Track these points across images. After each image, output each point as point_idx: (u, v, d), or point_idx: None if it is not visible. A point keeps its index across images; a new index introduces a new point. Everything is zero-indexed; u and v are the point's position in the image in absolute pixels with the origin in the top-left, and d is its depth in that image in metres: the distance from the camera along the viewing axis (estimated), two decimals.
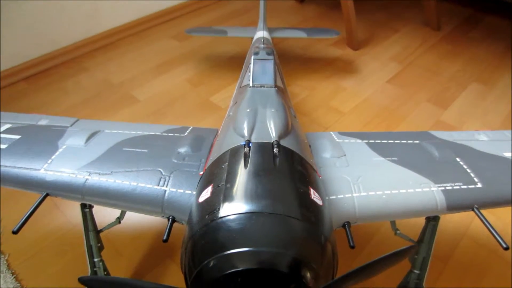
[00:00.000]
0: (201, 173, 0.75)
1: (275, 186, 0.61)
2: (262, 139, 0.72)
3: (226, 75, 1.87)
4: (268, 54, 1.04)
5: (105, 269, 0.95)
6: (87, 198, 0.78)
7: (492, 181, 0.80)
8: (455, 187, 0.78)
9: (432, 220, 0.86)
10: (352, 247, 0.66)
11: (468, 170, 0.82)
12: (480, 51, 2.08)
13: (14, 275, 1.09)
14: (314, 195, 0.63)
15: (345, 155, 0.86)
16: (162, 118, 1.61)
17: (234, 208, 0.57)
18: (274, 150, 0.68)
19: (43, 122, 0.98)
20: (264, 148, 0.69)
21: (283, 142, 0.71)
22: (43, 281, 1.09)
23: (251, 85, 0.93)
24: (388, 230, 1.15)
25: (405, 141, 0.93)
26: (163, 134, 0.94)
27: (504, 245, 0.70)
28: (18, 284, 1.06)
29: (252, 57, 1.02)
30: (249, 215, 0.55)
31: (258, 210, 0.56)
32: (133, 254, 1.14)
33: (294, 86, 1.80)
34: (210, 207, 0.60)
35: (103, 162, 0.83)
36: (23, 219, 0.73)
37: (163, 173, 0.79)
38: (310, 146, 0.86)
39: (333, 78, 1.88)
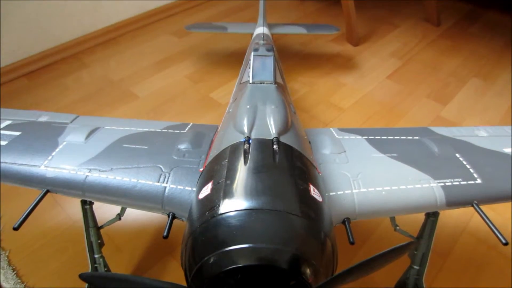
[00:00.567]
0: (201, 169, 0.75)
1: (275, 183, 0.61)
2: (262, 136, 0.71)
3: (226, 71, 1.87)
4: (268, 50, 1.04)
5: (105, 265, 0.95)
6: (87, 194, 0.78)
7: (492, 177, 0.80)
8: (454, 183, 0.78)
9: (432, 216, 0.87)
10: (352, 243, 0.66)
11: (468, 166, 0.82)
12: (479, 47, 2.08)
13: (15, 271, 1.09)
14: (313, 192, 0.63)
15: (345, 151, 0.85)
16: (162, 115, 1.61)
17: (234, 205, 0.57)
18: (274, 146, 0.68)
19: (43, 118, 0.98)
20: (264, 144, 0.69)
21: (282, 139, 0.71)
22: (43, 277, 1.09)
23: (251, 81, 0.93)
24: (388, 226, 1.15)
25: (404, 137, 0.93)
26: (163, 130, 0.94)
27: (504, 241, 0.69)
28: (19, 280, 1.06)
29: (252, 53, 1.02)
30: (249, 211, 0.55)
31: (258, 206, 0.56)
32: (133, 251, 1.14)
33: (294, 82, 1.80)
34: (210, 204, 0.60)
35: (103, 159, 0.82)
36: (24, 216, 0.73)
37: (163, 169, 0.79)
38: (310, 142, 0.86)
39: (332, 74, 1.88)
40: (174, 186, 0.76)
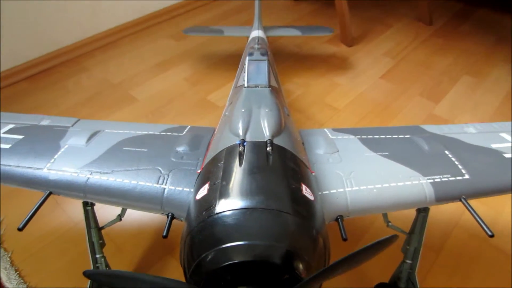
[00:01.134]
0: (199, 171, 0.78)
1: (268, 183, 0.64)
2: (256, 138, 0.75)
3: (223, 73, 1.90)
4: (262, 54, 1.07)
5: (106, 265, 0.97)
6: (89, 196, 0.81)
7: (479, 172, 0.83)
8: (443, 179, 0.81)
9: (423, 212, 0.90)
10: (345, 240, 0.70)
11: (456, 162, 0.85)
12: (471, 44, 2.12)
13: (18, 272, 1.12)
14: (305, 191, 0.66)
15: (338, 151, 0.88)
16: (160, 117, 1.64)
17: (229, 204, 0.60)
18: (268, 148, 0.71)
19: (45, 122, 1.00)
20: (258, 147, 0.72)
21: (276, 141, 0.74)
22: (46, 278, 1.12)
23: (246, 85, 0.96)
24: (382, 224, 1.17)
25: (396, 136, 0.95)
26: (162, 133, 0.96)
27: (490, 233, 0.72)
28: (22, 281, 1.09)
29: (247, 58, 1.05)
30: (243, 210, 0.59)
31: (252, 205, 0.59)
32: (133, 251, 1.17)
33: (289, 83, 1.83)
34: (207, 204, 0.63)
35: (104, 161, 0.85)
36: (28, 217, 0.76)
37: (162, 171, 0.81)
38: (303, 143, 0.89)
39: (327, 75, 1.91)
40: (173, 188, 0.78)
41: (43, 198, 0.80)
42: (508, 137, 0.94)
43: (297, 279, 0.54)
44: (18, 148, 0.89)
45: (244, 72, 1.00)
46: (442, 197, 0.78)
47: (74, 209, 1.29)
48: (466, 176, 0.81)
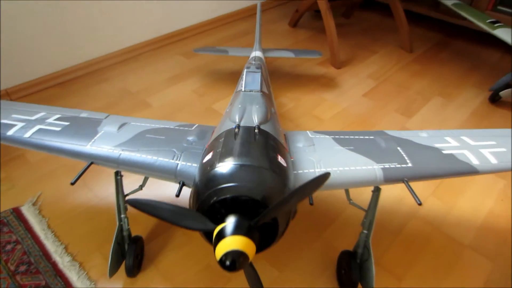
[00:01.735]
0: (206, 147, 1.03)
1: (254, 150, 0.88)
2: (248, 124, 0.99)
3: (227, 87, 2.11)
4: (257, 68, 1.33)
5: (127, 224, 1.18)
6: (120, 167, 1.04)
7: (420, 162, 1.01)
8: (391, 166, 1.00)
9: (376, 191, 1.08)
10: (311, 204, 0.94)
11: (404, 155, 1.05)
12: (445, 70, 2.34)
13: (53, 233, 1.34)
14: (280, 159, 0.92)
15: (314, 145, 1.10)
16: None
17: (226, 162, 0.84)
18: (256, 130, 0.96)
19: (84, 114, 1.23)
20: (248, 129, 0.97)
21: (262, 127, 0.98)
22: (75, 239, 1.32)
23: (243, 90, 1.22)
24: (352, 211, 1.39)
25: (362, 137, 1.15)
26: (175, 127, 1.19)
27: (418, 201, 0.91)
28: (56, 239, 1.32)
29: (245, 70, 1.32)
30: (235, 165, 0.83)
31: (241, 163, 0.83)
32: (146, 222, 1.38)
33: (283, 97, 2.06)
34: (210, 163, 0.87)
35: (132, 143, 1.07)
36: (77, 176, 0.97)
37: (176, 152, 1.04)
38: (285, 135, 1.15)
39: (316, 91, 2.13)
40: (184, 163, 1.00)
41: (87, 166, 1.02)
42: (451, 140, 1.14)
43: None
44: (66, 130, 1.11)
45: (242, 80, 1.27)
46: (389, 179, 0.98)
47: (98, 188, 1.52)
48: (409, 164, 1.00)
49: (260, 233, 0.79)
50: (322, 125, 1.87)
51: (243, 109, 1.08)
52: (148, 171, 1.03)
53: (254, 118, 1.03)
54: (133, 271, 1.20)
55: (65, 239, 1.33)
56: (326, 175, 0.73)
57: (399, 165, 1.02)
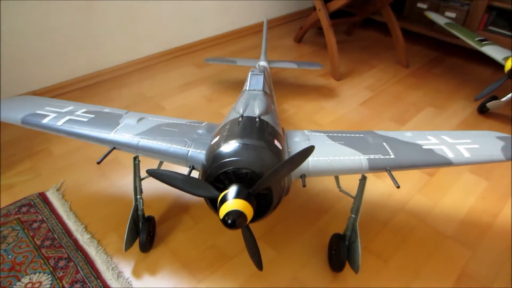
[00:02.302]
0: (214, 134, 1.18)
1: (254, 134, 1.04)
2: (250, 114, 1.14)
3: (234, 94, 2.27)
4: (260, 71, 1.50)
5: (142, 204, 1.33)
6: (139, 152, 1.19)
7: (401, 154, 1.13)
8: (376, 157, 1.12)
9: (362, 180, 1.20)
10: (304, 186, 1.08)
11: (388, 149, 1.18)
12: (439, 84, 2.48)
13: (75, 214, 1.49)
14: (276, 143, 1.07)
15: (309, 140, 1.24)
16: None
17: (230, 142, 1.00)
18: (256, 119, 1.12)
19: (106, 110, 1.37)
20: (250, 118, 1.12)
21: (262, 117, 1.14)
22: (94, 220, 1.47)
23: (247, 89, 1.38)
24: (345, 204, 1.55)
25: (353, 135, 1.26)
26: (187, 123, 1.33)
27: (397, 185, 1.04)
28: (77, 220, 1.47)
29: (250, 73, 1.49)
30: (238, 144, 0.98)
31: (243, 142, 0.98)
32: (158, 208, 1.52)
33: (285, 104, 2.22)
34: (217, 144, 1.02)
35: (149, 133, 1.22)
36: (102, 157, 1.12)
37: (188, 141, 1.19)
38: (284, 132, 1.30)
39: (316, 100, 2.28)
40: (194, 150, 1.15)
41: (110, 150, 1.17)
42: (432, 138, 1.26)
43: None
44: (92, 121, 1.27)
45: (247, 81, 1.44)
46: (373, 167, 1.11)
47: (115, 178, 1.67)
48: (392, 156, 1.13)
49: (258, 202, 0.94)
50: (320, 129, 2.00)
51: (247, 103, 1.24)
52: (163, 156, 1.19)
53: (256, 110, 1.19)
54: (146, 247, 1.34)
55: (85, 220, 1.48)
56: (311, 148, 0.88)
57: (382, 156, 1.15)
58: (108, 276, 1.27)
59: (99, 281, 1.26)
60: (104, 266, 1.30)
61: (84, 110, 1.37)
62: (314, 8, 2.59)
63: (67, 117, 1.29)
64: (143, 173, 1.28)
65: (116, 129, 1.25)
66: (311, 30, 3.13)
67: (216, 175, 0.95)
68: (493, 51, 2.12)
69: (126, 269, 1.31)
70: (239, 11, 3.04)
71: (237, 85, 2.40)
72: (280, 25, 3.41)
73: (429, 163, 1.17)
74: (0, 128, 1.94)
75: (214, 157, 0.99)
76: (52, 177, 1.69)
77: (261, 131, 1.08)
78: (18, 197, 1.57)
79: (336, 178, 1.31)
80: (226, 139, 1.03)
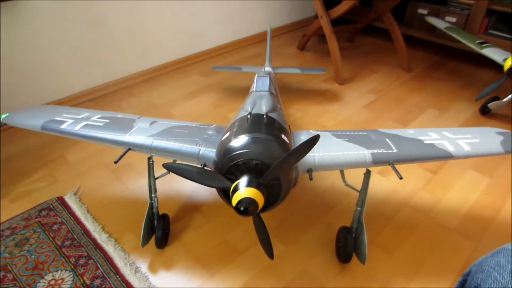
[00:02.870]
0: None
1: (263, 128, 1.10)
2: (258, 112, 1.21)
3: (240, 100, 2.25)
4: (266, 74, 1.57)
5: (157, 202, 1.38)
6: (153, 152, 1.26)
7: (403, 149, 1.18)
8: (379, 151, 1.18)
9: (367, 173, 1.25)
10: (311, 179, 1.15)
11: (391, 144, 1.23)
12: (440, 87, 2.54)
13: (92, 216, 1.56)
14: (283, 137, 1.14)
15: None
16: None
17: (240, 137, 1.06)
18: (264, 116, 1.19)
19: (120, 115, 1.44)
20: (259, 115, 1.19)
21: (269, 115, 1.21)
22: (110, 221, 1.53)
23: (254, 90, 1.46)
24: (350, 201, 1.61)
25: (357, 133, 1.33)
26: (197, 126, 1.40)
27: (399, 176, 1.09)
28: (94, 221, 1.53)
29: (256, 75, 1.57)
30: (248, 138, 1.04)
31: (252, 136, 1.04)
32: (171, 208, 1.58)
33: (290, 108, 2.28)
34: (227, 139, 1.09)
35: (162, 134, 1.29)
36: (119, 157, 1.18)
37: (199, 141, 1.26)
38: (289, 126, 1.37)
39: (321, 103, 2.35)
40: (205, 149, 1.22)
41: (125, 151, 1.23)
42: (433, 134, 1.32)
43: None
44: (107, 125, 1.34)
45: (254, 83, 1.51)
46: (377, 161, 1.16)
47: (129, 181, 1.74)
48: (394, 150, 1.20)
49: (268, 192, 1.00)
50: None
51: (254, 102, 1.31)
52: (176, 155, 1.25)
53: (263, 108, 1.26)
54: (161, 243, 1.41)
55: (102, 221, 1.55)
56: (316, 137, 0.94)
57: (385, 151, 1.20)
58: (126, 271, 1.33)
59: (118, 276, 1.32)
60: (122, 262, 1.36)
61: (99, 116, 1.44)
62: (316, 16, 2.67)
63: (84, 123, 1.37)
64: (157, 173, 1.37)
65: (130, 132, 1.32)
66: (313, 38, 3.21)
67: (227, 167, 1.01)
68: (494, 53, 2.17)
69: (143, 265, 1.36)
70: (243, 21, 3.13)
71: (243, 91, 2.47)
72: (283, 34, 3.50)
73: (431, 156, 1.22)
74: (15, 139, 2.04)
75: (225, 150, 1.05)
76: (68, 183, 1.76)
77: (269, 126, 1.15)
78: (37, 202, 1.64)
79: (342, 173, 1.37)
80: (236, 134, 1.09)
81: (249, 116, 1.19)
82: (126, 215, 1.57)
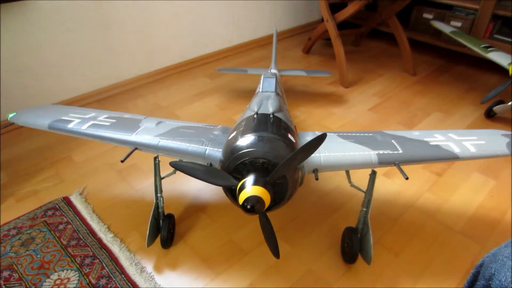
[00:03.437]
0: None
1: (269, 127, 1.11)
2: (264, 112, 1.22)
3: (245, 101, 2.24)
4: (272, 75, 1.59)
5: (162, 202, 1.39)
6: (159, 151, 1.26)
7: (408, 150, 1.20)
8: (385, 152, 1.19)
9: (372, 174, 1.26)
10: (316, 179, 1.15)
11: (396, 145, 1.24)
12: (446, 91, 2.54)
13: (98, 216, 1.56)
14: (290, 136, 1.15)
15: None
16: None
17: (247, 136, 1.07)
18: (270, 116, 1.20)
19: (126, 115, 1.45)
20: (265, 115, 1.20)
21: (276, 114, 1.22)
22: (116, 221, 1.53)
23: (261, 91, 1.47)
24: (356, 201, 1.61)
25: (363, 134, 1.32)
26: (203, 126, 1.41)
27: (405, 176, 1.09)
28: (100, 221, 1.53)
29: (262, 76, 1.58)
30: (254, 137, 1.05)
31: (258, 135, 1.06)
32: (176, 208, 1.59)
33: (296, 110, 2.29)
34: (234, 138, 1.09)
35: (168, 134, 1.30)
36: (126, 156, 1.19)
37: (205, 141, 1.26)
38: (295, 127, 1.37)
39: (326, 106, 2.36)
40: (211, 149, 1.22)
41: (132, 150, 1.24)
42: (439, 136, 1.32)
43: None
44: (114, 125, 1.35)
45: (260, 84, 1.53)
46: (383, 162, 1.17)
47: (134, 182, 1.75)
48: (400, 151, 1.21)
49: (274, 191, 1.01)
50: None
51: (261, 103, 1.32)
52: (182, 155, 1.26)
53: (270, 108, 1.27)
54: (166, 243, 1.41)
55: (107, 221, 1.55)
56: (323, 135, 0.95)
57: (391, 152, 1.21)
58: (131, 271, 1.33)
59: (123, 276, 1.32)
60: (128, 262, 1.37)
61: (105, 116, 1.45)
62: (321, 20, 2.69)
63: (91, 122, 1.37)
64: (162, 173, 1.38)
65: (137, 132, 1.32)
66: (319, 42, 3.21)
67: (234, 165, 1.02)
68: (499, 57, 2.18)
69: (148, 264, 1.37)
70: (249, 24, 3.16)
71: (248, 93, 2.46)
72: (289, 37, 3.52)
73: (436, 157, 1.22)
74: (22, 139, 2.06)
75: (232, 149, 1.06)
76: (74, 183, 1.77)
77: (275, 126, 1.15)
78: (43, 201, 1.65)
79: (347, 173, 1.37)
80: (243, 133, 1.10)
81: (255, 116, 1.20)
82: (131, 215, 1.58)
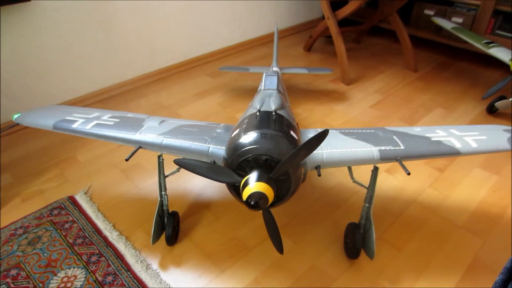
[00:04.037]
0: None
1: (271, 124, 1.12)
2: (267, 109, 1.23)
3: (247, 100, 2.25)
4: (273, 73, 1.60)
5: (167, 200, 1.40)
6: (163, 150, 1.28)
7: (410, 145, 1.20)
8: (387, 148, 1.19)
9: (374, 170, 1.27)
10: (319, 175, 1.16)
11: (398, 141, 1.24)
12: (448, 87, 2.55)
13: (103, 214, 1.58)
14: (292, 133, 1.16)
15: None
16: None
17: (250, 133, 1.08)
18: (273, 113, 1.21)
19: (129, 115, 1.46)
20: (267, 112, 1.21)
21: (278, 112, 1.23)
22: (120, 219, 1.55)
23: (263, 89, 1.48)
24: (358, 198, 1.62)
25: (364, 131, 1.32)
26: (206, 124, 1.42)
27: (407, 172, 1.11)
28: (105, 219, 1.55)
29: (264, 74, 1.59)
30: (257, 133, 1.06)
31: (261, 132, 1.07)
32: (180, 206, 1.60)
33: (298, 108, 2.30)
34: (237, 135, 1.11)
35: (171, 133, 1.31)
36: (130, 155, 1.21)
37: (208, 139, 1.27)
38: (298, 124, 1.39)
39: (328, 103, 2.37)
40: (214, 147, 1.24)
41: (135, 149, 1.26)
42: (440, 131, 1.33)
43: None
44: (118, 124, 1.36)
45: (262, 82, 1.54)
46: (384, 158, 1.18)
47: (138, 180, 1.76)
48: (402, 147, 1.21)
49: (277, 188, 1.02)
50: None
51: (263, 100, 1.33)
52: (186, 153, 1.27)
53: (272, 105, 1.28)
54: (171, 240, 1.42)
55: (112, 219, 1.57)
56: (325, 132, 0.95)
57: (393, 148, 1.22)
58: (137, 268, 1.35)
59: (129, 273, 1.34)
60: (133, 259, 1.38)
61: (109, 115, 1.46)
62: (322, 18, 2.70)
63: (95, 122, 1.39)
64: (166, 171, 1.39)
65: (140, 131, 1.34)
66: (320, 39, 3.22)
67: (238, 162, 1.03)
68: (500, 53, 2.18)
69: (154, 261, 1.38)
70: (250, 22, 3.16)
71: (250, 92, 2.48)
72: (290, 35, 3.52)
73: (438, 152, 1.23)
74: (26, 140, 2.07)
75: (235, 146, 1.07)
76: (79, 182, 1.79)
77: (277, 123, 1.17)
78: (49, 201, 1.67)
79: (350, 170, 1.37)
80: (246, 131, 1.11)
81: (258, 113, 1.21)
82: (136, 213, 1.59)
